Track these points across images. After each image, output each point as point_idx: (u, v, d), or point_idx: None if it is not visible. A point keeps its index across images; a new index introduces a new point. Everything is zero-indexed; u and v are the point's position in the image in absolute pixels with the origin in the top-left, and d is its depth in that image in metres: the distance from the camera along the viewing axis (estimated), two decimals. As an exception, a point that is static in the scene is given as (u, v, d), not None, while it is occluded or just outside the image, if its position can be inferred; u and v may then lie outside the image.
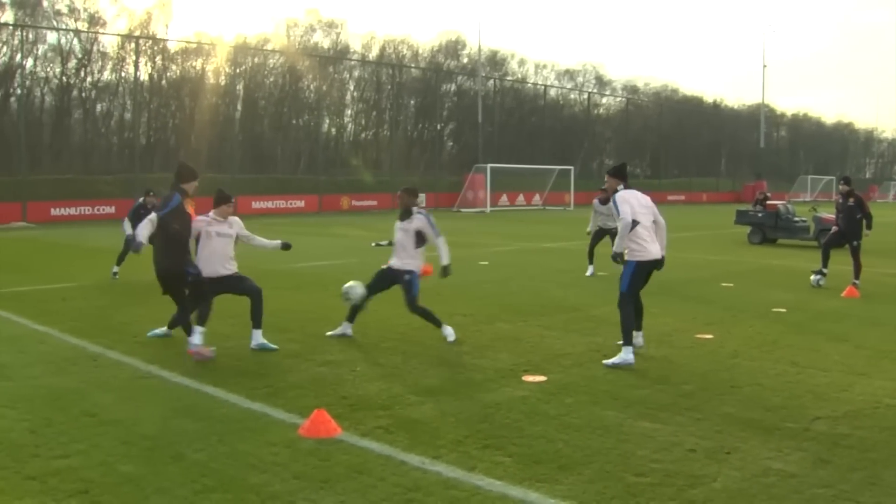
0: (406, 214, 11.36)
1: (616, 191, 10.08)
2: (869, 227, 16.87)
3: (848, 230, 16.89)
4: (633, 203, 9.90)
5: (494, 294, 15.38)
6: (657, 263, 10.04)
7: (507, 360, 9.88)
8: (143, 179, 48.07)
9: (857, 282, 16.20)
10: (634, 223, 9.77)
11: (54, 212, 41.99)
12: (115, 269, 17.89)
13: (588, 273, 18.62)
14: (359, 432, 7.08)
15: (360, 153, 72.23)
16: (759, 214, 29.07)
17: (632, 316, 9.91)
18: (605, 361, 9.74)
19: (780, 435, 7.07)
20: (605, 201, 18.45)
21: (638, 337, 10.31)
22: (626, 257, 9.97)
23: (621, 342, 9.86)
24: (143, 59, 59.73)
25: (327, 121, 72.25)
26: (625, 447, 6.72)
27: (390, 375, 9.10)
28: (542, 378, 8.97)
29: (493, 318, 12.72)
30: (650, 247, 9.90)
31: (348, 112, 76.13)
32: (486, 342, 10.90)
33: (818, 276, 16.73)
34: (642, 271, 10.00)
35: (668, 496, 5.74)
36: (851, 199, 16.89)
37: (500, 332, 11.62)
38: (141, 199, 18.35)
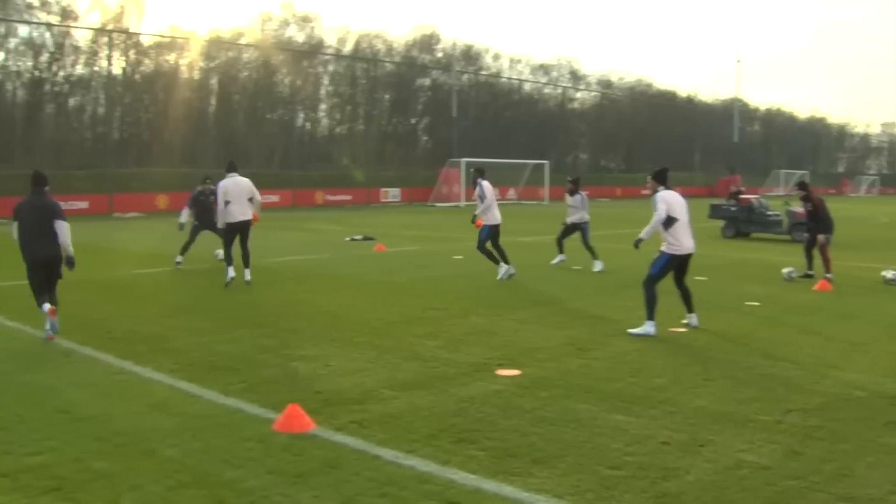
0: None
1: (656, 191, 11.44)
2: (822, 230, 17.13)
3: (812, 231, 17.36)
4: (670, 202, 11.27)
5: (469, 288, 15.38)
6: (689, 256, 11.47)
7: (481, 354, 9.86)
8: (117, 175, 47.89)
9: (829, 276, 16.34)
10: (672, 219, 11.15)
11: (27, 208, 41.63)
12: (179, 258, 18.58)
13: (555, 261, 18.96)
14: (333, 427, 7.06)
15: (337, 149, 72.11)
16: (733, 208, 29.23)
17: (654, 296, 11.19)
18: (629, 330, 11.13)
19: (752, 427, 7.11)
20: (572, 192, 18.93)
21: (693, 318, 11.62)
22: (662, 249, 11.31)
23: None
24: (116, 53, 59.35)
25: (302, 115, 72.10)
26: (599, 440, 6.73)
27: (364, 370, 9.07)
28: (516, 372, 8.97)
29: (467, 312, 12.71)
30: (685, 241, 11.31)
31: (323, 106, 75.95)
32: (461, 336, 10.88)
33: (790, 270, 16.94)
34: (674, 262, 11.35)
35: (641, 489, 5.76)
36: (809, 205, 17.37)
37: (474, 326, 11.60)
38: (199, 188, 19.09)
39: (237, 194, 15.46)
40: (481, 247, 16.50)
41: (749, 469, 6.13)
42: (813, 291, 15.26)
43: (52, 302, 11.09)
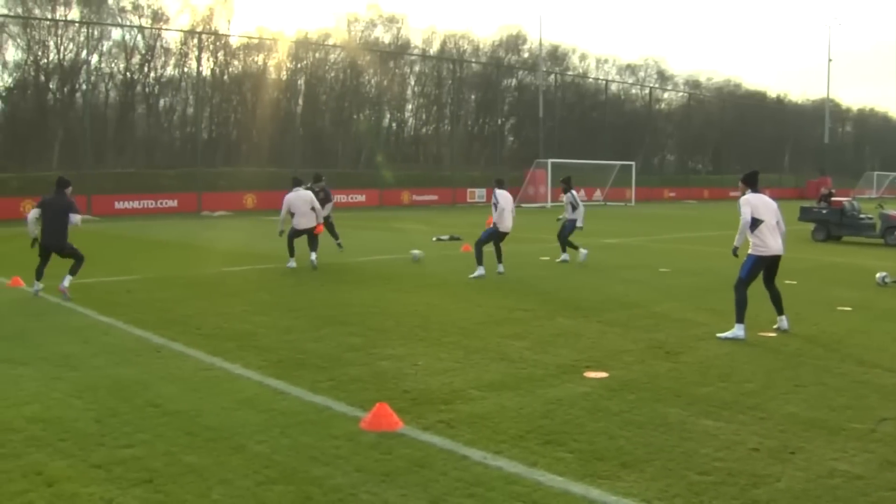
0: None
1: (744, 194, 11.47)
2: None
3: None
4: (756, 205, 11.24)
5: (555, 290, 15.35)
6: (777, 258, 11.40)
7: (568, 355, 9.85)
8: (205, 174, 48.73)
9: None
10: (757, 221, 11.16)
11: (118, 205, 42.68)
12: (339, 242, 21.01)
13: (580, 258, 19.59)
14: (420, 426, 7.11)
15: (420, 148, 72.43)
16: (824, 211, 28.63)
17: (744, 299, 11.17)
18: (718, 335, 11.10)
19: (845, 436, 6.98)
20: (565, 191, 20.20)
21: (783, 321, 11.60)
22: (749, 251, 11.34)
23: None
24: (205, 55, 60.33)
25: (388, 115, 72.52)
26: (687, 445, 6.69)
27: (452, 370, 9.12)
28: (603, 374, 8.94)
29: (553, 314, 12.69)
30: (771, 243, 11.22)
31: (409, 107, 76.36)
32: (547, 338, 10.87)
33: (884, 275, 16.51)
34: (761, 264, 11.32)
35: (731, 495, 5.70)
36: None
37: (560, 328, 11.58)
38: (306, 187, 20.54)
39: (301, 206, 18.23)
40: (478, 243, 17.52)
41: (842, 478, 6.03)
42: (908, 297, 14.92)
43: (72, 273, 13.96)
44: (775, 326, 11.53)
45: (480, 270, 16.98)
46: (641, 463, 6.28)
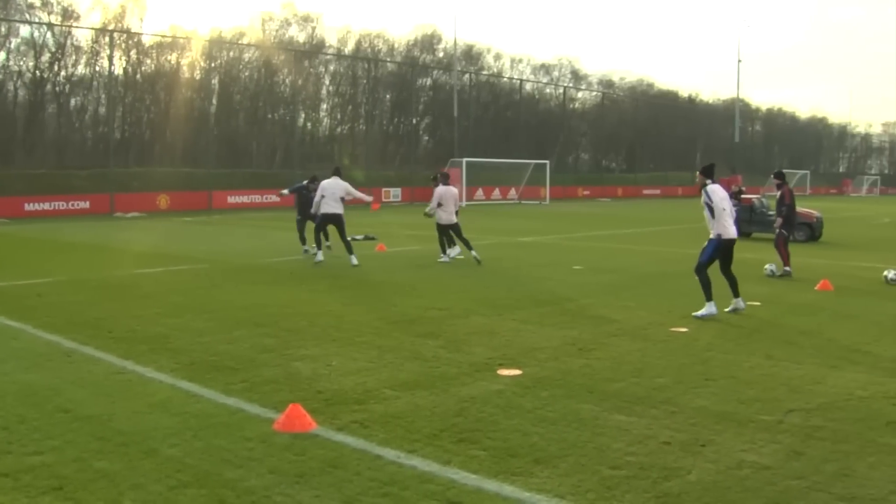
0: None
1: (705, 184, 12.71)
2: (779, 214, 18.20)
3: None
4: (721, 196, 12.61)
5: (470, 288, 15.38)
6: (733, 241, 12.71)
7: (482, 353, 9.85)
8: (118, 174, 47.91)
9: (788, 269, 17.41)
10: (720, 209, 12.36)
11: (28, 207, 41.73)
12: (306, 248, 21.52)
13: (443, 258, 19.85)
14: (334, 427, 7.05)
15: (336, 147, 72.14)
16: (734, 208, 29.09)
17: (707, 280, 12.40)
18: (694, 314, 12.27)
19: (754, 427, 7.10)
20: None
21: (739, 301, 12.74)
22: (711, 236, 12.54)
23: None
24: (117, 53, 59.45)
25: (303, 115, 72.12)
26: (600, 440, 6.73)
27: (365, 370, 9.07)
28: (517, 372, 8.96)
29: (468, 312, 12.71)
30: (730, 228, 12.58)
31: (324, 106, 76.06)
32: (462, 336, 10.87)
33: (771, 266, 17.63)
34: (723, 247, 12.56)
35: (643, 489, 5.75)
36: (779, 192, 18.21)
37: (475, 326, 11.59)
38: (305, 181, 22.21)
39: (331, 192, 18.76)
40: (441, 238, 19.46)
41: (751, 469, 6.12)
42: (814, 291, 15.26)
43: None
44: (730, 308, 12.64)
45: (448, 258, 19.31)
46: (555, 459, 6.30)
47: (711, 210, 12.48)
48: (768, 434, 6.91)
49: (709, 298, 12.28)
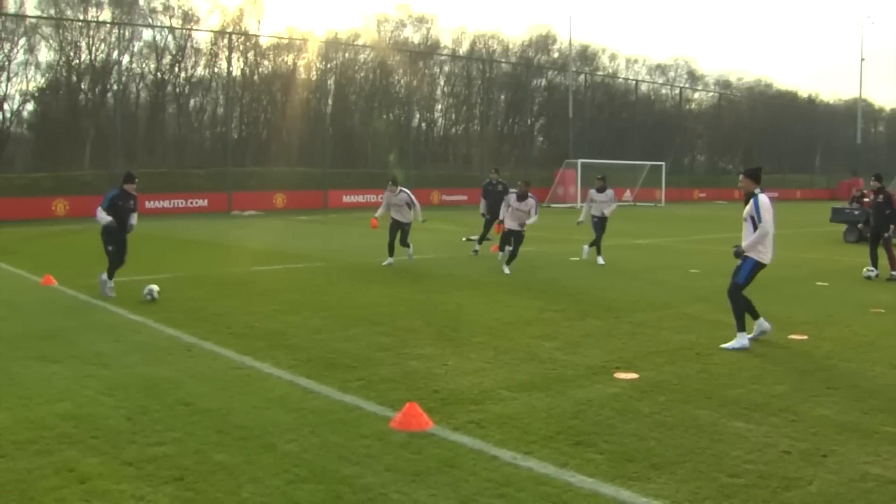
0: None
1: (753, 193, 10.63)
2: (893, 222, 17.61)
3: (877, 225, 18.00)
4: (772, 213, 10.54)
5: (586, 290, 15.32)
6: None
7: (598, 356, 9.84)
8: (235, 173, 48.92)
9: (894, 273, 16.98)
10: (767, 232, 10.46)
11: (149, 205, 42.81)
12: (477, 247, 22.09)
13: (585, 256, 20.09)
14: (450, 426, 7.12)
15: (450, 148, 72.44)
16: (856, 212, 28.35)
17: (742, 305, 10.64)
18: (722, 346, 10.43)
19: (878, 439, 6.93)
20: (601, 190, 20.06)
21: (764, 323, 10.89)
22: (751, 255, 10.56)
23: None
24: (235, 55, 60.62)
25: (417, 115, 72.57)
26: (718, 447, 6.65)
27: (482, 370, 9.13)
28: (634, 375, 8.92)
29: (584, 315, 12.67)
30: (771, 252, 10.69)
31: (438, 107, 76.40)
32: (578, 338, 10.85)
33: (869, 269, 17.37)
34: (759, 271, 10.68)
35: (762, 498, 5.67)
36: (881, 196, 17.89)
37: (591, 329, 11.56)
38: (487, 179, 22.91)
39: (396, 203, 19.47)
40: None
41: (875, 482, 5.98)
42: (942, 299, 14.78)
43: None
44: (760, 331, 10.86)
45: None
46: (672, 465, 6.26)
47: (755, 225, 10.48)
48: (893, 447, 6.73)
49: (742, 328, 10.51)
